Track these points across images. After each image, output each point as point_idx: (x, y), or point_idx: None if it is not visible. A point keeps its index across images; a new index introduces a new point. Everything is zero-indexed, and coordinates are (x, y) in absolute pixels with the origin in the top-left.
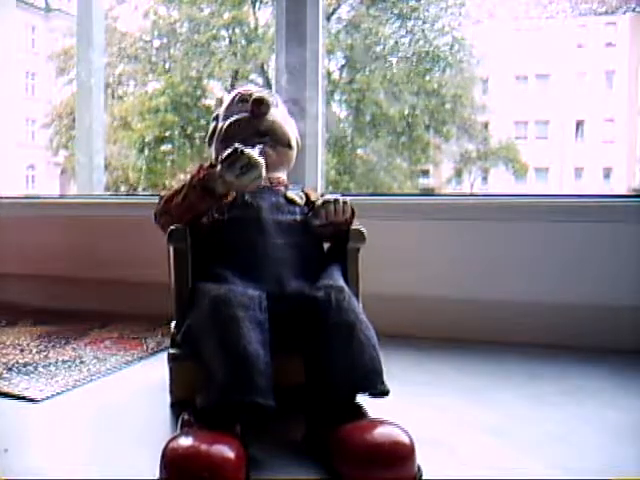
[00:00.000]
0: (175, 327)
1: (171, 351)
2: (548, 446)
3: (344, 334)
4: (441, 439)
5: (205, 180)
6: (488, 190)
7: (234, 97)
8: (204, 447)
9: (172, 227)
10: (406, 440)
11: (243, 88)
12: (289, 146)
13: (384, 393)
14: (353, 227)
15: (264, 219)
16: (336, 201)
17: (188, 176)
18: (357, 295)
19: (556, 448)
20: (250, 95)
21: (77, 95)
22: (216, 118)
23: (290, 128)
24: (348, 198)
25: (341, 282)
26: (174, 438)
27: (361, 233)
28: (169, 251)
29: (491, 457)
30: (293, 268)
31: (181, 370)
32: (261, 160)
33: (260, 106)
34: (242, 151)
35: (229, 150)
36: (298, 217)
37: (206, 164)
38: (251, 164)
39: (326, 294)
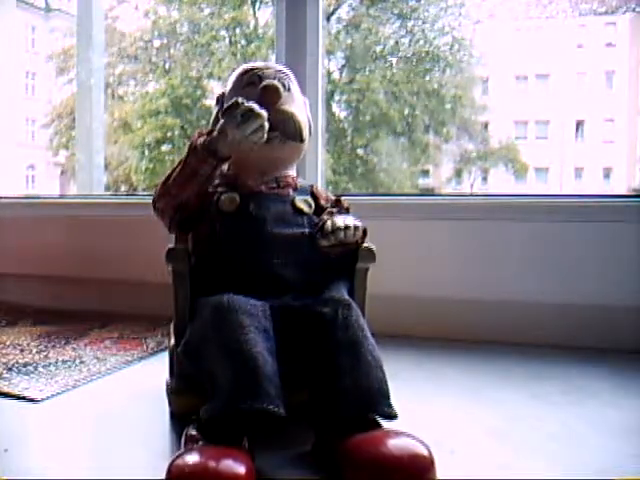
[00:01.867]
0: (174, 346)
1: (170, 382)
2: (548, 446)
3: (351, 353)
4: (441, 439)
5: (206, 141)
6: (488, 190)
7: (241, 76)
8: (212, 464)
9: (170, 246)
10: (425, 452)
11: (251, 65)
12: (301, 140)
13: (391, 416)
14: (363, 246)
15: (268, 233)
16: (347, 228)
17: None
18: (363, 315)
19: (556, 448)
20: (260, 77)
21: (77, 95)
22: (220, 99)
23: (302, 115)
24: (360, 223)
25: (347, 296)
26: (179, 455)
27: (371, 252)
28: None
29: (491, 457)
30: (297, 285)
31: (180, 401)
32: (263, 111)
33: (270, 95)
34: (242, 102)
35: (229, 102)
36: (306, 230)
37: (206, 129)
38: (252, 113)
39: (333, 310)
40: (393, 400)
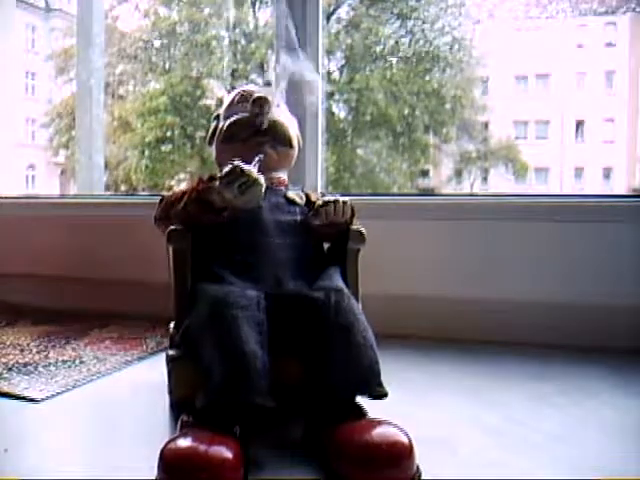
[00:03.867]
0: (174, 327)
1: (170, 352)
2: (548, 446)
3: (342, 336)
4: (441, 439)
5: (204, 194)
6: (488, 190)
7: (235, 97)
8: (202, 448)
9: (172, 228)
10: (405, 440)
11: (244, 88)
12: (290, 146)
13: (382, 395)
14: (353, 228)
15: (264, 219)
16: (336, 201)
17: (188, 178)
18: (356, 296)
19: (556, 448)
20: (251, 95)
21: (77, 95)
22: (217, 118)
23: (291, 127)
24: (348, 198)
25: (340, 283)
26: (172, 439)
27: (361, 234)
28: (169, 251)
29: (491, 457)
30: (292, 268)
31: (180, 371)
32: (261, 179)
33: (261, 105)
34: (242, 170)
35: (228, 167)
36: (298, 217)
37: (206, 176)
38: (250, 183)
39: (325, 295)
40: (384, 379)
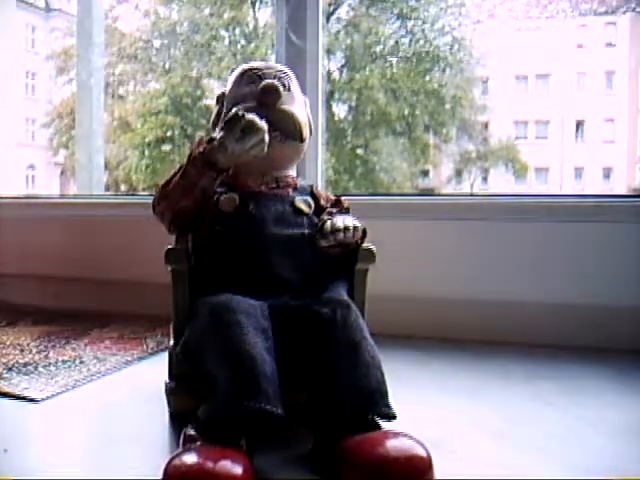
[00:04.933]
0: (173, 346)
1: (169, 384)
2: (548, 446)
3: (349, 353)
4: (441, 439)
5: (205, 152)
6: (488, 190)
7: (241, 76)
8: (209, 464)
9: (169, 247)
10: (423, 453)
11: (251, 64)
12: (301, 139)
13: (390, 417)
14: (363, 247)
15: (267, 235)
16: (346, 229)
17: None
18: (363, 315)
19: (556, 448)
20: (259, 76)
21: (77, 95)
22: (221, 98)
23: (302, 114)
24: (359, 224)
25: (347, 298)
26: (177, 455)
27: (371, 252)
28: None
29: (491, 457)
30: (296, 286)
31: (179, 402)
32: (263, 124)
33: (270, 94)
34: (243, 114)
35: (229, 114)
36: (305, 230)
37: (206, 137)
38: (252, 127)
39: (332, 310)
40: (392, 400)
